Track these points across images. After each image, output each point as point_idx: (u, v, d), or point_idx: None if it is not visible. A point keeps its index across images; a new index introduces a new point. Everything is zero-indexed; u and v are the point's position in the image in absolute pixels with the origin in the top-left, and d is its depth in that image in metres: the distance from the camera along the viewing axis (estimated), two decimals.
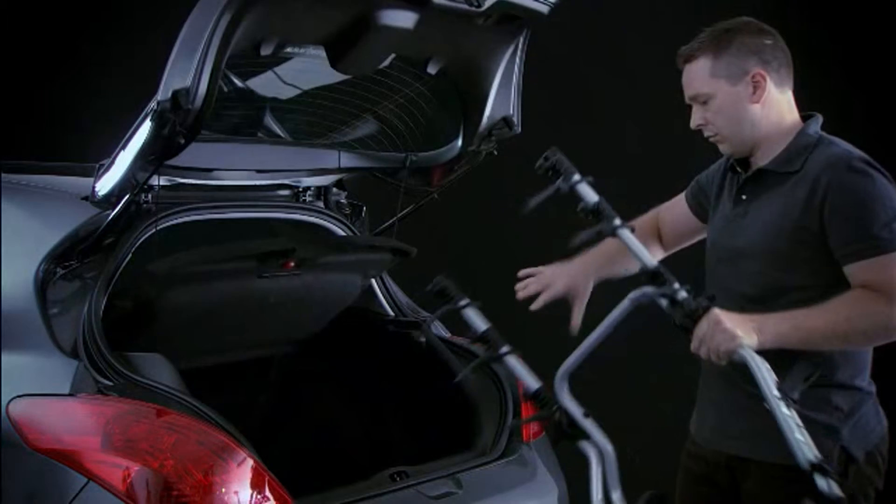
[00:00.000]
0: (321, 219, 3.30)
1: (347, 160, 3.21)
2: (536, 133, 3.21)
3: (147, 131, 2.41)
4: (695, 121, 2.33)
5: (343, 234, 3.32)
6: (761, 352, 2.10)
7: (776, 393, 2.04)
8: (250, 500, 2.33)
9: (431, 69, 2.94)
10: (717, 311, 2.10)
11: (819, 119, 2.35)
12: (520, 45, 2.96)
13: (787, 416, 2.02)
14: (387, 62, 2.88)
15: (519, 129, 3.11)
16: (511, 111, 3.06)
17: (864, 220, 2.16)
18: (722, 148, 2.38)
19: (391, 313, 3.37)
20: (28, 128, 4.92)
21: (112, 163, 2.55)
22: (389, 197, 3.35)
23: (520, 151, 3.23)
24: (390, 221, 3.38)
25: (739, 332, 2.08)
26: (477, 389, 3.11)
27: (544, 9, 2.78)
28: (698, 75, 2.29)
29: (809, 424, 2.08)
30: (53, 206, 2.88)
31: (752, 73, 2.24)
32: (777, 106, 2.29)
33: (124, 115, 2.50)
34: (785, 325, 2.15)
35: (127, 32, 5.08)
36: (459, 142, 3.17)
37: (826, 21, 4.35)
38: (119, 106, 2.66)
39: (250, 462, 2.38)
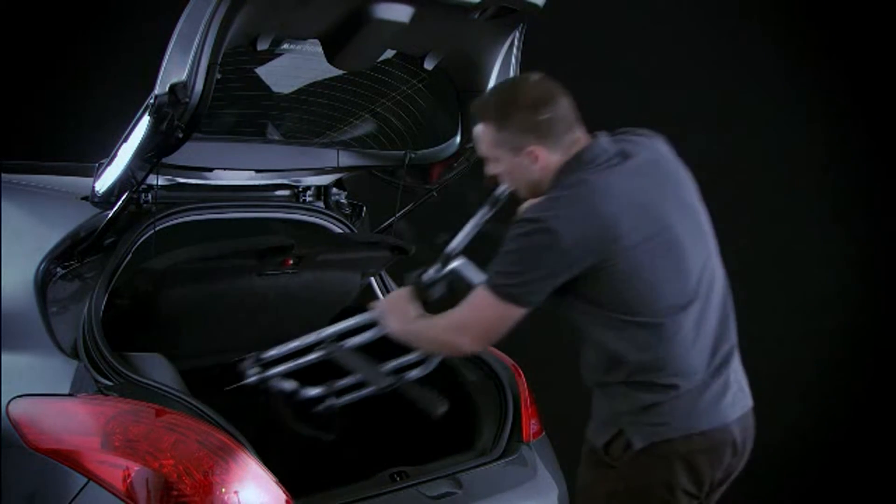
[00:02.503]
0: (321, 219, 3.30)
1: (346, 159, 3.21)
2: None
3: (145, 127, 2.41)
4: (488, 171, 2.45)
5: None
6: None
7: None
8: (250, 500, 2.33)
9: (428, 65, 2.95)
10: (400, 291, 2.60)
11: (574, 168, 2.35)
12: (516, 39, 2.96)
13: None
14: (383, 57, 2.88)
15: None
16: None
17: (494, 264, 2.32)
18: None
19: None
20: (28, 128, 4.92)
21: (111, 159, 2.55)
22: (389, 196, 3.35)
23: None
24: (390, 220, 3.38)
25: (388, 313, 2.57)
26: (477, 389, 3.11)
27: (540, 1, 2.78)
28: (483, 140, 2.40)
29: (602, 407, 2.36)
30: (53, 206, 2.88)
31: (528, 149, 2.33)
32: (556, 165, 2.35)
33: (124, 114, 2.50)
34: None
35: (127, 32, 5.08)
36: (458, 138, 3.17)
37: (823, 21, 4.36)
38: (119, 106, 2.66)
39: (250, 462, 2.38)
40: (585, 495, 2.42)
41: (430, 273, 2.62)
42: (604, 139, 2.37)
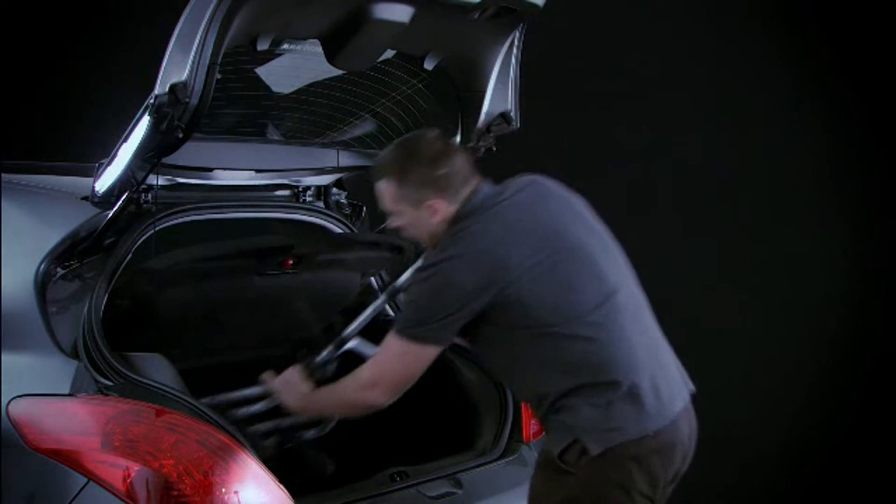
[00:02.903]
0: (321, 219, 3.30)
1: (346, 159, 3.22)
2: (535, 129, 3.22)
3: (145, 127, 2.41)
4: (390, 224, 2.60)
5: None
6: None
7: None
8: (250, 500, 2.33)
9: (428, 65, 2.95)
10: (291, 371, 2.71)
11: (470, 214, 2.46)
12: (516, 39, 2.96)
13: None
14: (383, 57, 2.88)
15: (517, 125, 3.11)
16: (509, 107, 3.06)
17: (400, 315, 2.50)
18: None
19: (391, 313, 3.37)
20: (28, 128, 4.93)
21: (111, 160, 2.55)
22: None
23: (518, 147, 3.25)
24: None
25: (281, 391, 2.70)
26: (477, 389, 3.11)
27: (540, 1, 2.78)
28: (385, 195, 2.53)
29: (554, 423, 2.39)
30: (53, 206, 2.88)
31: (427, 203, 2.47)
32: (453, 216, 2.49)
33: (124, 114, 2.50)
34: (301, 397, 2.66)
35: (127, 32, 5.08)
36: (458, 138, 3.16)
37: (824, 20, 4.36)
38: (119, 106, 2.66)
39: (250, 462, 2.38)
40: (542, 502, 2.46)
41: (323, 355, 2.77)
42: (486, 187, 2.51)
